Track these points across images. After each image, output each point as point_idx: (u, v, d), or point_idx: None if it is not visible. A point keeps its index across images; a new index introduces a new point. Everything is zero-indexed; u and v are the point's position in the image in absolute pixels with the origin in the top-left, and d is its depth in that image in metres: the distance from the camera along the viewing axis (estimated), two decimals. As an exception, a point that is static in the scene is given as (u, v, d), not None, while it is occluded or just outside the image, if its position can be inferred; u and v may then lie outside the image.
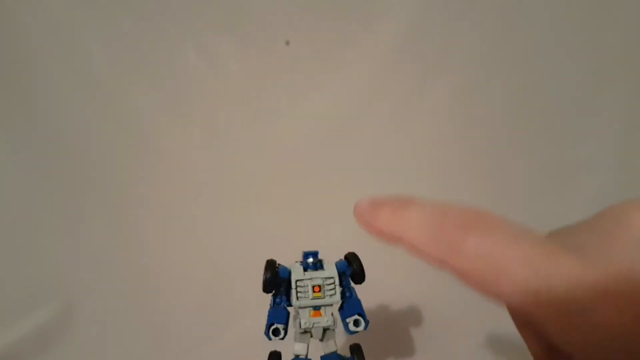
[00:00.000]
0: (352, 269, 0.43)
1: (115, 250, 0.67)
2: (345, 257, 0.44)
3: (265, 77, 0.67)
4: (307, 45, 0.67)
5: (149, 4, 0.66)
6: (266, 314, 0.43)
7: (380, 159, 0.68)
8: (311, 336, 0.43)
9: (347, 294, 0.43)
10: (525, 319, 0.17)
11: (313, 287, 0.42)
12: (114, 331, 0.64)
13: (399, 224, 0.18)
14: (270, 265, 0.42)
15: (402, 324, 0.64)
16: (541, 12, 0.66)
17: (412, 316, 0.63)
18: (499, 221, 0.18)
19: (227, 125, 0.68)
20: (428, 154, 0.69)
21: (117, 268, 0.66)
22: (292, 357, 0.43)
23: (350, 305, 0.43)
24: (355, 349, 0.44)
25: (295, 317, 0.43)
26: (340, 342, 0.45)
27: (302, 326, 0.42)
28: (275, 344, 0.42)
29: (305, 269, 0.43)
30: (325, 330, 0.43)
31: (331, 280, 0.42)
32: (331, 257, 0.44)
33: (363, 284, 0.44)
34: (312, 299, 0.41)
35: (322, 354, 0.43)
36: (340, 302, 0.43)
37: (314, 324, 0.42)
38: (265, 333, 0.42)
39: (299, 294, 0.42)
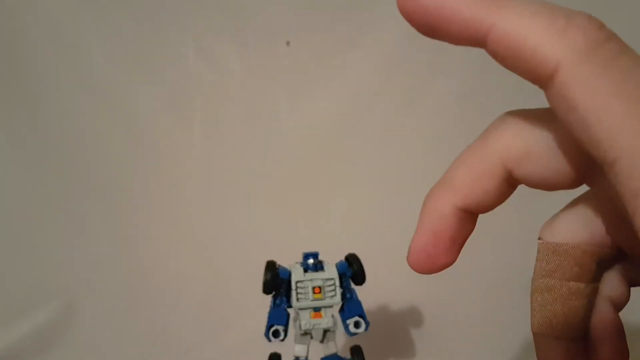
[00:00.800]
0: (352, 270, 0.43)
1: (115, 250, 0.67)
2: (346, 258, 0.44)
3: (265, 78, 0.67)
4: (308, 45, 0.67)
5: (149, 4, 0.66)
6: (266, 315, 0.43)
7: (381, 159, 0.68)
8: (311, 338, 0.43)
9: (348, 295, 0.43)
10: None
11: (313, 288, 0.41)
12: (114, 331, 0.64)
13: None
14: (270, 266, 0.42)
15: (403, 326, 0.63)
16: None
17: (413, 318, 0.63)
18: None
19: (228, 126, 0.68)
20: (429, 154, 0.69)
21: (117, 268, 0.66)
22: (292, 358, 0.43)
23: (350, 307, 0.43)
24: (356, 351, 0.44)
25: (295, 319, 0.43)
26: (340, 343, 0.45)
27: (302, 327, 0.42)
28: (275, 346, 0.42)
29: (305, 270, 0.43)
30: (325, 331, 0.43)
31: (331, 282, 0.42)
32: (331, 258, 0.44)
33: (364, 285, 0.43)
34: (312, 300, 0.41)
35: (323, 355, 0.43)
36: (340, 304, 0.43)
37: (314, 325, 0.42)
38: (265, 334, 0.42)
39: (299, 295, 0.41)
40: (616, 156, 0.13)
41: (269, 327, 0.42)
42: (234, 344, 0.63)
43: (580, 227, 0.19)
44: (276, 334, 0.42)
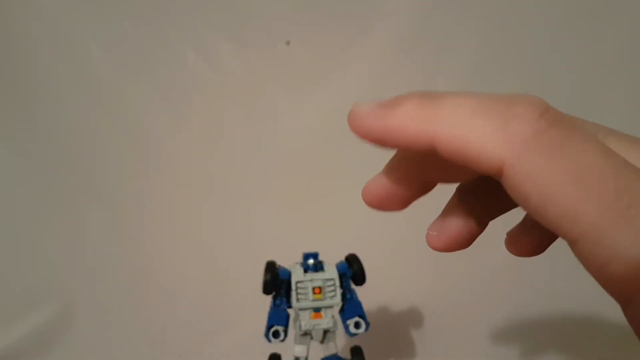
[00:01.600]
0: (352, 271, 0.43)
1: (115, 251, 0.67)
2: (346, 258, 0.44)
3: (265, 77, 0.67)
4: (308, 45, 0.66)
5: (148, 4, 0.66)
6: (266, 315, 0.43)
7: (381, 159, 0.68)
8: (311, 338, 0.43)
9: (348, 296, 0.43)
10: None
11: (313, 288, 0.41)
12: (113, 332, 0.64)
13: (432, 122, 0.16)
14: (270, 266, 0.42)
15: (403, 326, 0.63)
16: (541, 12, 0.66)
17: (413, 318, 0.63)
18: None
19: (227, 126, 0.68)
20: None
21: (116, 269, 0.66)
22: (292, 359, 0.43)
23: (350, 307, 0.43)
24: (356, 351, 0.44)
25: (295, 319, 0.43)
26: (340, 344, 0.45)
27: (303, 328, 0.42)
28: (275, 346, 0.42)
29: (305, 271, 0.42)
30: (325, 332, 0.43)
31: (331, 282, 0.42)
32: (331, 259, 0.44)
33: (364, 285, 0.43)
34: (312, 300, 0.41)
35: (323, 356, 0.43)
36: (340, 304, 0.43)
37: (314, 325, 0.42)
38: (265, 335, 0.41)
39: (299, 296, 0.41)
40: (577, 237, 0.14)
41: (269, 327, 0.42)
42: (234, 344, 0.63)
43: None
44: (276, 334, 0.41)
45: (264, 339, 0.42)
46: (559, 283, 0.58)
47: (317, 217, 0.67)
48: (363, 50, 0.66)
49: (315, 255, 0.43)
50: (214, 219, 0.67)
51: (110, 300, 0.65)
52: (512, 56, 0.67)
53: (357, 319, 0.42)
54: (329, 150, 0.68)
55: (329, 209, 0.68)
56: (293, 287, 0.42)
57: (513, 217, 0.23)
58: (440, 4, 0.65)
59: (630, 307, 0.14)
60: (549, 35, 0.66)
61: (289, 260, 0.44)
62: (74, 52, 0.66)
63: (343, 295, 0.43)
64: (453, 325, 0.62)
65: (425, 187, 0.21)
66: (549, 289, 0.61)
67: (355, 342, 0.45)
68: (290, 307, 0.43)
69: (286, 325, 0.42)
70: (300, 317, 0.42)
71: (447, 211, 0.21)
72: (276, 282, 0.42)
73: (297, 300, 0.41)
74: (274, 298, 0.43)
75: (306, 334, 0.43)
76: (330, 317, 0.42)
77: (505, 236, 0.23)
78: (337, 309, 0.43)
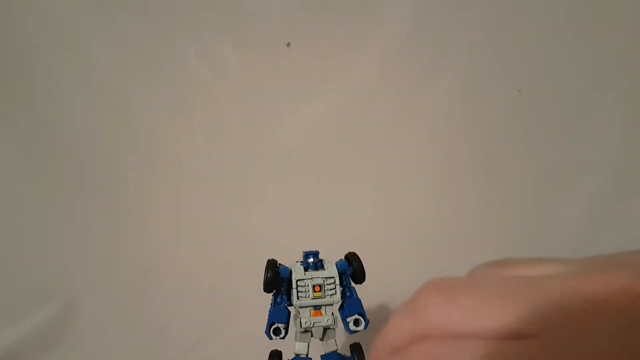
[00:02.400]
0: (352, 269, 0.43)
1: (116, 250, 0.67)
2: (346, 257, 0.44)
3: (265, 79, 0.68)
4: (308, 47, 0.67)
5: (150, 5, 0.66)
6: (267, 313, 0.43)
7: (381, 159, 0.69)
8: (312, 335, 0.43)
9: (348, 294, 0.43)
10: None
11: (314, 286, 0.42)
12: (115, 330, 0.65)
13: None
14: (271, 265, 0.43)
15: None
16: (541, 13, 0.66)
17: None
18: None
19: (228, 126, 0.68)
20: (427, 155, 0.69)
21: (118, 268, 0.67)
22: (293, 356, 0.43)
23: (350, 305, 0.43)
24: (356, 348, 0.44)
25: (295, 317, 0.44)
26: (340, 341, 0.45)
27: (303, 325, 0.42)
28: (276, 343, 0.43)
29: (306, 269, 0.43)
30: (325, 329, 0.43)
31: (332, 280, 0.42)
32: (332, 257, 0.45)
33: (363, 283, 0.44)
34: (312, 298, 0.42)
35: (323, 353, 0.43)
36: (340, 302, 0.43)
37: (314, 323, 0.42)
38: (266, 332, 0.42)
39: (299, 294, 0.42)
40: None
41: (269, 325, 0.42)
42: (235, 341, 0.63)
43: None
44: (277, 331, 0.42)
45: (265, 336, 0.42)
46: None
47: (317, 216, 0.68)
48: (363, 52, 0.67)
49: (315, 254, 0.44)
50: (216, 218, 0.68)
51: (113, 298, 0.66)
52: (512, 56, 0.67)
53: (356, 316, 0.42)
54: (330, 150, 0.69)
55: (329, 208, 0.68)
56: (294, 285, 0.42)
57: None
58: (438, 7, 0.66)
59: None
60: (550, 35, 0.67)
61: (289, 259, 0.45)
62: (75, 52, 0.66)
63: (343, 293, 0.43)
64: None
65: None
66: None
67: (354, 339, 0.45)
68: (290, 304, 0.43)
69: (287, 323, 0.43)
70: (301, 314, 0.43)
71: None
72: (277, 280, 0.43)
73: (298, 298, 0.42)
74: (275, 296, 0.43)
75: (306, 331, 0.43)
76: (330, 315, 0.43)
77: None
78: (337, 306, 0.44)
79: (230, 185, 0.68)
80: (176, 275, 0.67)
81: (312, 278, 0.42)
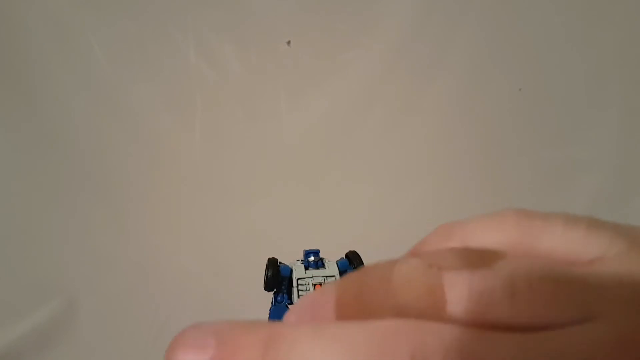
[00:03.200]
0: (353, 268, 0.43)
1: (116, 249, 0.67)
2: (346, 255, 0.44)
3: (266, 77, 0.68)
4: (308, 45, 0.67)
5: (150, 4, 0.66)
6: (267, 312, 0.43)
7: (380, 158, 0.69)
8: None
9: (348, 293, 0.43)
10: None
11: (314, 285, 0.42)
12: (116, 328, 0.65)
13: None
14: (272, 263, 0.43)
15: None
16: (541, 13, 0.66)
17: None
18: None
19: (228, 124, 0.68)
20: (427, 153, 0.69)
21: (118, 267, 0.67)
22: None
23: (351, 304, 0.43)
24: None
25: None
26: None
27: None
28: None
29: (306, 268, 0.43)
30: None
31: (332, 279, 0.42)
32: (332, 256, 0.45)
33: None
34: (313, 297, 0.42)
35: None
36: (341, 301, 0.43)
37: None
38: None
39: (300, 292, 0.42)
40: None
41: (270, 324, 0.42)
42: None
43: None
44: (277, 330, 0.42)
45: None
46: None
47: (318, 214, 0.68)
48: (363, 50, 0.67)
49: (316, 253, 0.44)
50: (216, 217, 0.68)
51: (113, 297, 0.66)
52: (512, 56, 0.67)
53: (357, 315, 0.42)
54: (330, 148, 0.69)
55: (330, 206, 0.68)
56: (294, 283, 0.42)
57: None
58: (439, 5, 0.66)
59: None
60: (550, 35, 0.67)
61: (290, 257, 0.45)
62: (76, 51, 0.66)
63: (343, 292, 0.43)
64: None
65: None
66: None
67: None
68: (291, 303, 0.43)
69: (287, 322, 0.43)
70: (301, 313, 0.42)
71: None
72: (277, 279, 0.42)
73: (298, 296, 0.42)
74: (275, 295, 0.43)
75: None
76: (330, 314, 0.42)
77: None
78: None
79: (230, 184, 0.68)
80: (176, 274, 0.67)
81: (312, 277, 0.42)
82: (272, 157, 0.68)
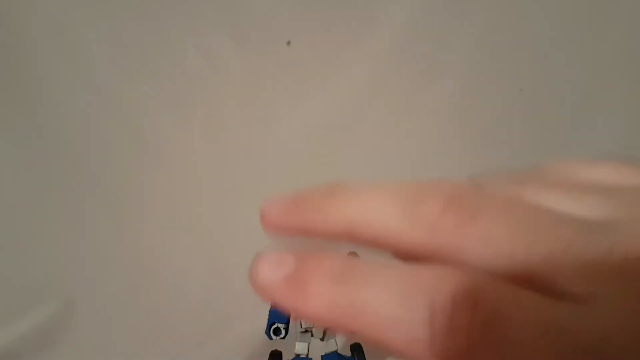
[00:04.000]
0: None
1: (116, 249, 0.67)
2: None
3: (266, 77, 0.68)
4: (308, 45, 0.67)
5: (150, 3, 0.66)
6: (267, 313, 0.43)
7: (381, 159, 0.69)
8: (312, 335, 0.43)
9: (348, 293, 0.43)
10: None
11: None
12: (115, 329, 0.65)
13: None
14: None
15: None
16: (541, 12, 0.66)
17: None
18: None
19: (228, 125, 0.68)
20: (428, 154, 0.69)
21: (117, 267, 0.67)
22: (293, 356, 0.43)
23: (351, 305, 0.43)
24: (356, 348, 0.44)
25: (295, 317, 0.44)
26: (340, 341, 0.45)
27: (303, 325, 0.42)
28: (276, 344, 0.43)
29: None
30: (325, 329, 0.43)
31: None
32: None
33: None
34: (313, 298, 0.42)
35: (323, 353, 0.43)
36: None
37: (314, 323, 0.42)
38: (266, 332, 0.42)
39: (300, 293, 0.42)
40: None
41: (270, 324, 0.42)
42: (235, 341, 0.63)
43: None
44: (277, 331, 0.42)
45: (265, 336, 0.42)
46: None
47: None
48: (364, 51, 0.67)
49: (316, 253, 0.44)
50: (215, 217, 0.67)
51: (112, 298, 0.66)
52: (512, 55, 0.67)
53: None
54: (330, 149, 0.69)
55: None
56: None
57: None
58: (440, 4, 0.66)
59: None
60: (550, 35, 0.67)
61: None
62: (75, 52, 0.66)
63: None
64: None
65: None
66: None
67: (355, 339, 0.45)
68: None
69: (287, 323, 0.43)
70: (301, 314, 0.42)
71: None
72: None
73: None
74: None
75: (307, 331, 0.43)
76: (330, 315, 0.42)
77: None
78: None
79: (229, 184, 0.68)
80: (176, 274, 0.67)
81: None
82: (272, 157, 0.68)
